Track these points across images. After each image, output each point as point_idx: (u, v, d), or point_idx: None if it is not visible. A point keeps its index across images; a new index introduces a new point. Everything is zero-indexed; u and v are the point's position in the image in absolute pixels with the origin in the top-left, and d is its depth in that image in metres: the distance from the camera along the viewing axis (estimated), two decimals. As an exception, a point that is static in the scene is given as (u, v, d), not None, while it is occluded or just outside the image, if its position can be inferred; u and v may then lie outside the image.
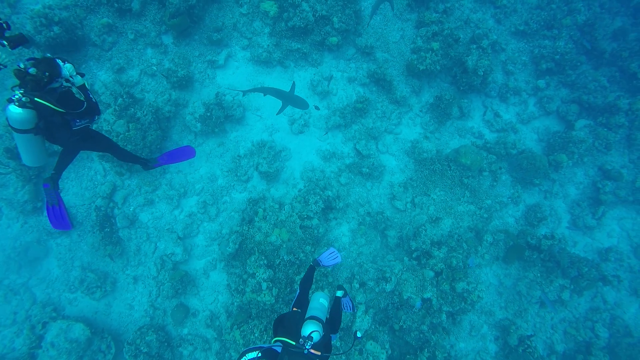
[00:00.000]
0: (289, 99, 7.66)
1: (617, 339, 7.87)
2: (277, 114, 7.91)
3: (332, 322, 4.34)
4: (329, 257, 5.12)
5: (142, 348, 6.58)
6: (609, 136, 9.12)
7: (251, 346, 3.69)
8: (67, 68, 4.47)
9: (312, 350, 3.36)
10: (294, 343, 3.42)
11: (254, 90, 7.84)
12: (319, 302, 3.90)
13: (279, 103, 8.35)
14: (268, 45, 8.41)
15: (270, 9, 8.18)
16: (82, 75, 4.78)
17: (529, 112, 9.40)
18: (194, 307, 7.29)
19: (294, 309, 4.15)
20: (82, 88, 4.83)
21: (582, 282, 7.80)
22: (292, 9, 8.20)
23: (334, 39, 8.45)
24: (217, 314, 7.16)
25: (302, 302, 4.32)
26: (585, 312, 8.17)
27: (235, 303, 6.72)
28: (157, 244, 7.42)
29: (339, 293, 4.82)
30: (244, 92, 8.01)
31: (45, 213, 5.43)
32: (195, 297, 7.32)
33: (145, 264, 7.34)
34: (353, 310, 4.98)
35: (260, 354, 3.53)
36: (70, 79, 4.53)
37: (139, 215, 7.50)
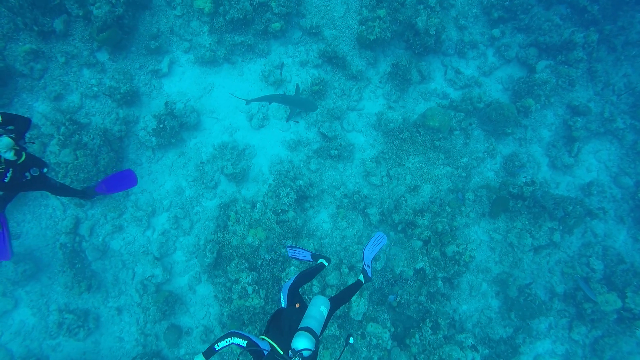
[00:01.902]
0: (296, 103, 7.29)
1: (611, 269, 7.87)
2: (287, 121, 7.58)
3: (338, 301, 4.11)
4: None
5: (138, 379, 6.29)
6: (570, 72, 9.04)
7: (240, 331, 3.47)
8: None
9: None
10: (281, 353, 3.18)
11: (259, 99, 7.34)
12: (319, 311, 3.57)
13: (233, 102, 8.07)
14: (210, 43, 8.04)
15: (205, 6, 7.80)
16: (22, 149, 4.43)
17: (489, 64, 9.24)
18: (186, 325, 7.00)
19: (297, 305, 3.86)
20: (10, 163, 4.45)
21: (569, 221, 7.74)
22: (227, 1, 7.84)
23: (276, 25, 8.12)
24: (211, 327, 6.89)
25: (297, 295, 4.03)
26: (579, 249, 8.15)
27: (225, 313, 6.45)
28: (135, 270, 7.08)
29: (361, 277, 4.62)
30: (248, 102, 7.52)
31: None
32: (185, 315, 7.03)
33: (126, 292, 7.00)
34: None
35: (246, 344, 3.33)
36: None
37: (109, 244, 7.13)
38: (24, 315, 6.72)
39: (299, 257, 4.90)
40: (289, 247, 5.03)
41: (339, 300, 4.19)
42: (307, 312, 3.53)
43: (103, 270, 7.05)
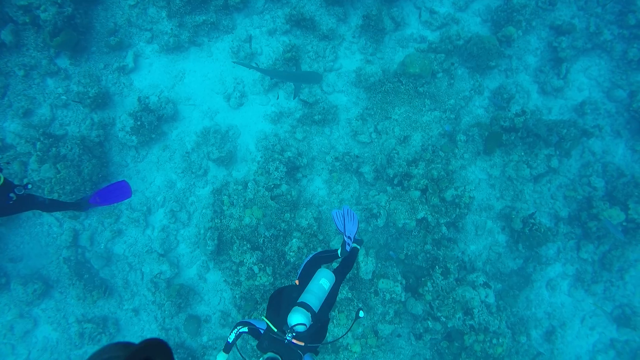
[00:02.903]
0: (301, 78, 7.09)
1: (612, 184, 7.81)
2: (293, 99, 7.37)
3: (341, 271, 4.11)
4: (349, 219, 4.44)
5: (167, 371, 6.45)
6: (538, -10, 8.62)
7: (247, 319, 3.53)
8: None
9: (294, 340, 3.12)
10: (275, 330, 3.19)
11: (262, 70, 7.24)
12: (318, 285, 3.52)
13: (208, 85, 7.84)
14: (172, 28, 7.70)
15: (157, -11, 7.42)
16: None
17: (464, -3, 8.82)
18: (204, 313, 7.11)
19: (297, 282, 3.85)
20: None
21: (565, 144, 7.62)
22: (179, -20, 7.45)
23: (236, -4, 7.75)
24: (228, 311, 7.01)
25: (309, 273, 3.99)
26: (578, 170, 8.06)
27: (237, 296, 6.52)
28: (142, 270, 7.13)
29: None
30: (251, 67, 7.32)
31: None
32: (200, 304, 7.13)
33: (139, 293, 7.09)
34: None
35: (246, 329, 3.39)
36: None
37: (112, 250, 7.15)
38: (46, 332, 6.84)
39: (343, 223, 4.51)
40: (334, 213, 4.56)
41: (343, 270, 4.18)
42: (307, 287, 3.51)
43: (112, 276, 7.10)
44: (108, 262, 7.10)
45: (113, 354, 0.85)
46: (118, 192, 5.88)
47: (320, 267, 3.90)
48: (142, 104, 7.21)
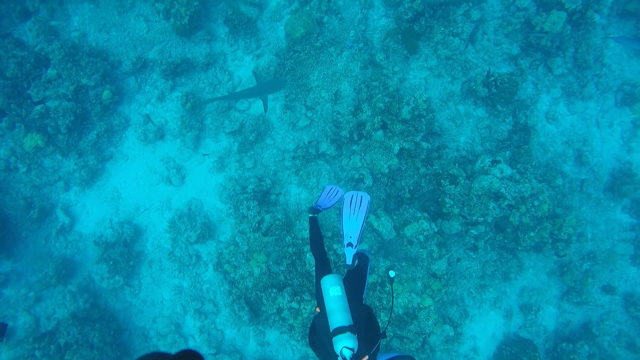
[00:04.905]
0: (264, 89, 6.75)
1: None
2: (265, 112, 7.08)
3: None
4: (327, 197, 4.13)
5: None
6: None
7: None
8: None
9: None
10: None
11: (221, 98, 7.19)
12: (331, 297, 3.14)
13: (144, 184, 7.53)
14: (75, 163, 7.38)
15: (35, 141, 7.09)
16: None
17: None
18: (290, 370, 6.87)
19: (317, 309, 3.54)
20: None
21: (471, -8, 7.24)
22: (47, 119, 7.12)
23: (107, 93, 7.39)
24: (304, 354, 6.74)
25: (319, 291, 3.70)
26: (501, 4, 7.62)
27: (298, 338, 6.26)
28: (212, 375, 6.89)
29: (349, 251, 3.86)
30: (211, 100, 7.28)
31: None
32: (280, 365, 6.90)
33: (224, 396, 6.85)
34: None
35: None
36: None
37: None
38: None
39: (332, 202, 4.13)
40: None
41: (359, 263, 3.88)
42: (326, 309, 3.19)
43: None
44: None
45: None
46: None
47: (322, 246, 3.68)
48: (102, 244, 6.93)
